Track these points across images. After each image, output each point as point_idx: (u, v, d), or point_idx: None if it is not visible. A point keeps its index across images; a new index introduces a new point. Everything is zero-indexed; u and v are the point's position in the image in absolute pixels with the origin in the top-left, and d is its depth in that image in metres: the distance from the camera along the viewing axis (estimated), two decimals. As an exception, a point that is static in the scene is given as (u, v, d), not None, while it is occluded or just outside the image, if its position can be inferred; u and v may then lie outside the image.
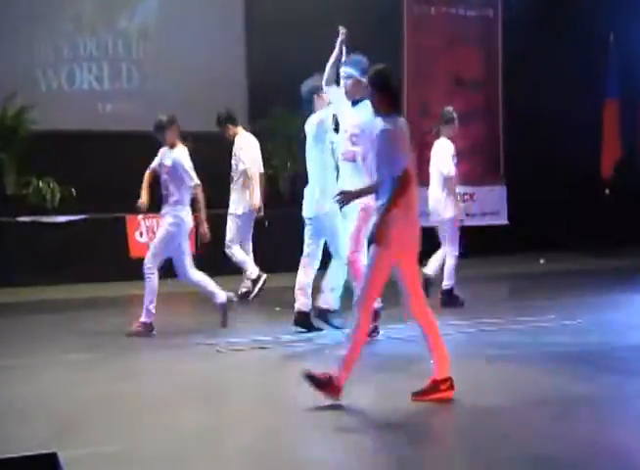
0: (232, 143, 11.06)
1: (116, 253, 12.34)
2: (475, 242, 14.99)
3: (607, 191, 14.74)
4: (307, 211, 8.55)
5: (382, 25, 14.28)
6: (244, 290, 10.88)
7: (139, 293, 8.36)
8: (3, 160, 12.22)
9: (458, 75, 15.50)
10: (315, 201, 8.41)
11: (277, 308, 10.29)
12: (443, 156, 10.33)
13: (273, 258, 11.44)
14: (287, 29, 13.49)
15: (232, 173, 11.08)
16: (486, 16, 15.60)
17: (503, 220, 15.50)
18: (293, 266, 9.00)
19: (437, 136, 10.59)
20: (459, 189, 15.14)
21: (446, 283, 10.33)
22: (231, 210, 11.01)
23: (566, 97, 14.52)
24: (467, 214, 15.31)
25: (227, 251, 10.80)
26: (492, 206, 15.58)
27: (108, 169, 12.50)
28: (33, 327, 8.98)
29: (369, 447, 5.23)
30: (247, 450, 5.22)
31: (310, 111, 8.70)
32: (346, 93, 8.15)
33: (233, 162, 11.06)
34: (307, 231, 8.59)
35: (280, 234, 12.00)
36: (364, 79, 7.18)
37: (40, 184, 11.99)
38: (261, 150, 11.36)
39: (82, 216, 12.14)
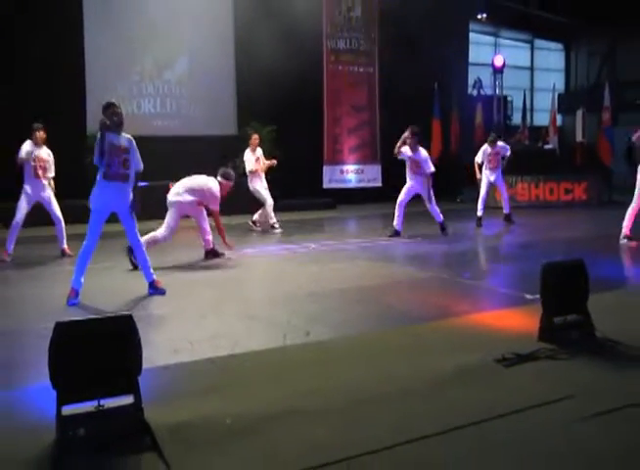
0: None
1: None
2: (362, 197, 15.02)
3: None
4: None
5: (312, 74, 14.08)
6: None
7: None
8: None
9: (353, 103, 15.27)
10: None
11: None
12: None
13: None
14: (260, 77, 13.03)
15: None
16: (369, 71, 15.35)
17: (378, 184, 15.45)
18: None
19: None
20: (356, 166, 15.12)
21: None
22: None
23: (411, 117, 13.93)
24: (360, 181, 15.32)
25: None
26: (373, 175, 15.55)
27: (158, 158, 11.78)
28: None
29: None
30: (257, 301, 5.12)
31: None
32: None
33: None
34: None
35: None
36: None
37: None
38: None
39: (146, 183, 11.62)
